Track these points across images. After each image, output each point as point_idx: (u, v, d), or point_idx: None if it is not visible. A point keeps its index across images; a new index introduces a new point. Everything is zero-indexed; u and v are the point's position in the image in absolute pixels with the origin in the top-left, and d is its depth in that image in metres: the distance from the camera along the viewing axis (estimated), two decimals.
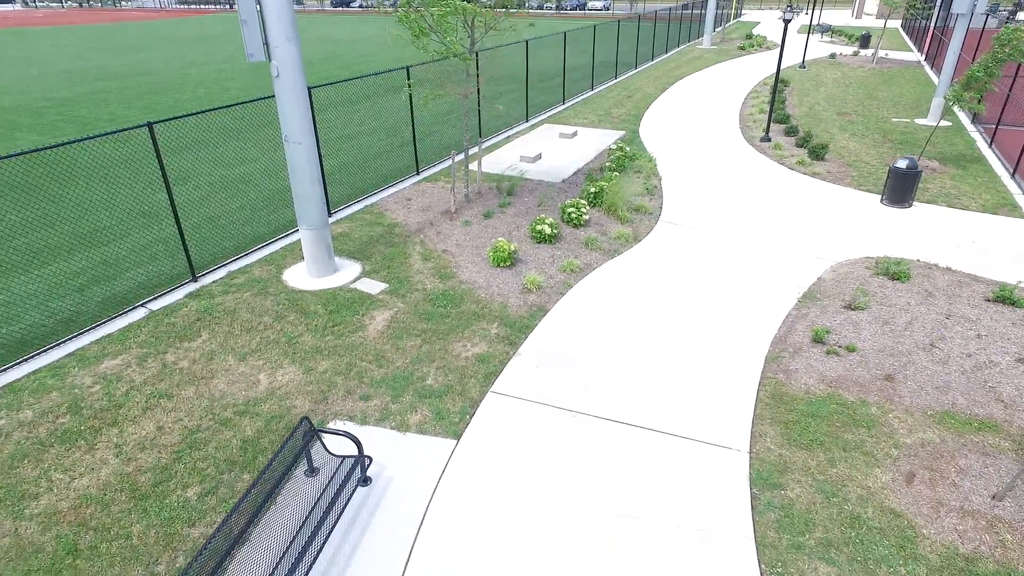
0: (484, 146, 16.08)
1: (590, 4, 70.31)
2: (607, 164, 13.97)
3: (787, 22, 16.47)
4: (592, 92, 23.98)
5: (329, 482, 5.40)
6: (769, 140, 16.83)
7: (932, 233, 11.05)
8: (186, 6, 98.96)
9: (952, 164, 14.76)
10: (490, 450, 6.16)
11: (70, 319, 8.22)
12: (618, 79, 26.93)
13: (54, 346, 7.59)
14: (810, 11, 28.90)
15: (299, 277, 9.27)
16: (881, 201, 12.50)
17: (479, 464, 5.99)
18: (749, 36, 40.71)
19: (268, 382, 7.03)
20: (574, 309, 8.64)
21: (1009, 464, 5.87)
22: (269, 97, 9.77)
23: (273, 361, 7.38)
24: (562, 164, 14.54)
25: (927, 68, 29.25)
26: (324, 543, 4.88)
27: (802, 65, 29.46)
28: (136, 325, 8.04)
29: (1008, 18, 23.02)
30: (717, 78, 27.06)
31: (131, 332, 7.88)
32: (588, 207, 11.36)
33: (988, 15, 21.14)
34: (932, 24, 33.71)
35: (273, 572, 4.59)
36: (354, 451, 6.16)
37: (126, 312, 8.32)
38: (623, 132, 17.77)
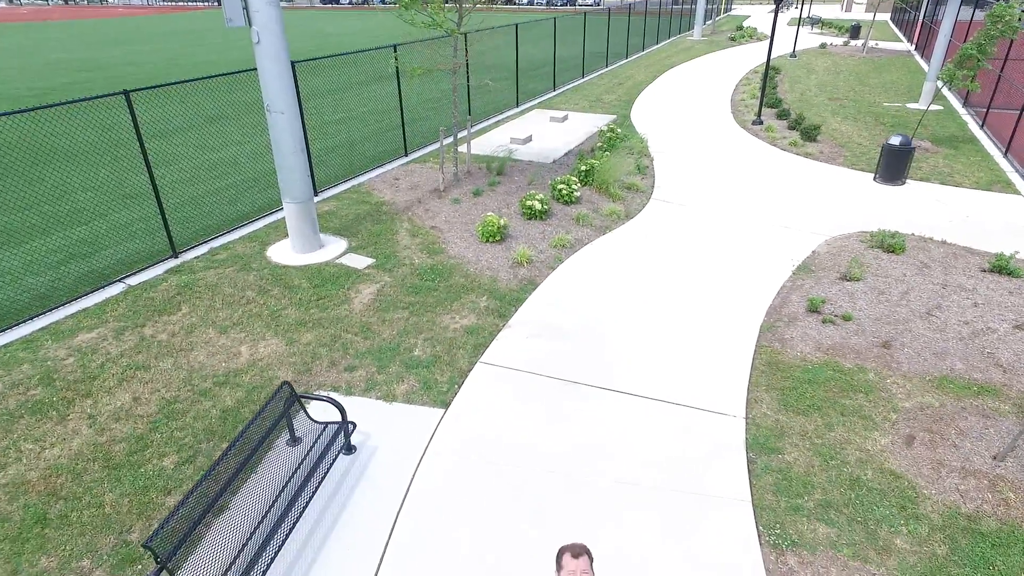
0: (473, 130, 15.87)
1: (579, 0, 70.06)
2: (598, 145, 13.80)
3: (778, 3, 16.35)
4: (583, 80, 23.80)
5: (311, 449, 5.20)
6: (761, 123, 16.71)
7: (926, 208, 10.94)
8: (173, 2, 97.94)
9: (944, 145, 14.69)
10: (479, 418, 5.97)
11: (45, 295, 7.96)
12: (609, 68, 26.77)
13: (27, 320, 7.33)
14: (800, 5, 29.04)
15: (283, 253, 9.04)
16: (874, 179, 12.40)
17: (468, 432, 5.80)
18: (740, 27, 40.66)
19: (250, 354, 6.81)
20: (566, 282, 8.46)
21: (1010, 425, 5.74)
22: (251, 70, 9.52)
23: (255, 333, 7.16)
24: (553, 146, 14.35)
25: (917, 57, 29.27)
26: (305, 508, 4.67)
27: (793, 54, 29.41)
28: (114, 300, 7.79)
29: None
30: (708, 67, 26.95)
31: (108, 306, 7.63)
32: (579, 184, 11.18)
33: (976, 6, 21.11)
34: (921, 15, 33.76)
35: (250, 539, 4.39)
36: (337, 418, 5.94)
37: (103, 287, 8.06)
38: (614, 116, 17.61)
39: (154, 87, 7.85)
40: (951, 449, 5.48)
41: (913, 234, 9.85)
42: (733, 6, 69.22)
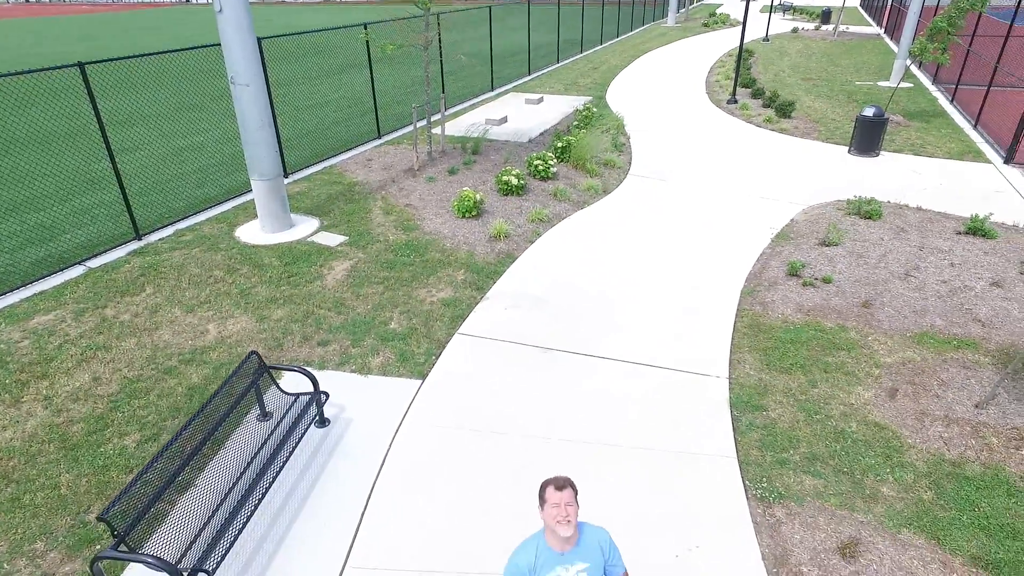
0: (447, 113, 15.63)
1: None
2: (574, 124, 13.65)
3: None
4: (558, 65, 23.65)
5: (281, 420, 4.98)
6: (736, 102, 16.71)
7: (900, 178, 10.98)
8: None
9: (916, 119, 14.81)
10: (458, 387, 5.79)
11: None
12: (584, 53, 26.65)
13: None
14: None
15: (253, 233, 8.75)
16: (849, 151, 12.43)
17: (446, 401, 5.62)
18: (713, 14, 40.83)
19: (218, 331, 6.55)
20: (544, 255, 8.30)
21: (990, 375, 5.72)
22: (214, 45, 9.20)
23: (223, 311, 6.89)
24: (528, 126, 14.18)
25: (887, 39, 29.62)
26: (275, 479, 4.46)
27: (766, 39, 29.58)
28: (73, 282, 7.45)
29: None
30: (682, 51, 26.97)
31: (67, 289, 7.30)
32: (555, 161, 11.02)
33: None
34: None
35: (215, 513, 4.17)
36: (309, 390, 5.72)
37: (62, 270, 7.72)
38: (590, 98, 17.48)
39: (110, 60, 7.51)
40: (934, 399, 5.44)
41: (889, 201, 9.87)
42: None
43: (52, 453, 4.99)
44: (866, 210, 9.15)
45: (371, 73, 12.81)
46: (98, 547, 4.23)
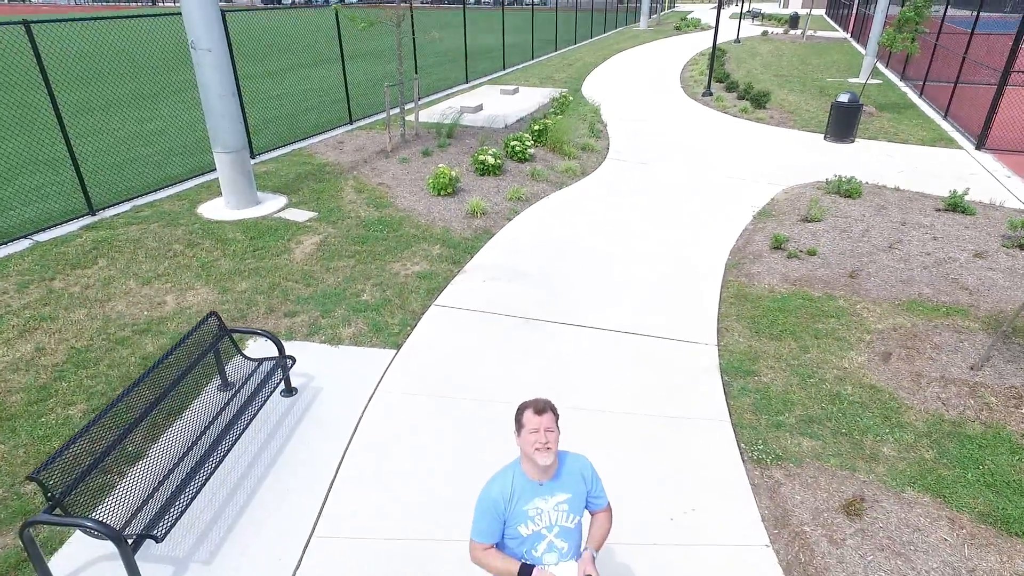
0: (421, 102, 15.29)
1: None
2: (551, 111, 13.45)
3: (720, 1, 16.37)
4: (533, 61, 23.54)
5: (243, 385, 4.58)
6: (711, 95, 16.73)
7: (876, 162, 11.00)
8: (103, 2, 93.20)
9: (888, 110, 14.98)
10: (435, 356, 5.45)
11: None
12: (558, 51, 26.62)
13: None
14: (740, 2, 29.92)
15: (216, 209, 8.29)
16: (825, 138, 12.46)
17: (422, 370, 5.27)
18: (684, 19, 41.33)
19: (176, 302, 6.10)
20: (524, 231, 8.03)
21: (983, 339, 5.60)
22: (175, 13, 8.73)
23: (183, 284, 6.44)
24: (504, 113, 13.93)
25: (854, 42, 30.24)
26: (233, 444, 4.06)
27: (737, 40, 29.96)
28: (18, 255, 6.91)
29: None
30: (656, 51, 27.13)
31: (10, 262, 6.76)
32: (532, 143, 10.78)
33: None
34: (855, 5, 34.95)
35: (167, 477, 3.77)
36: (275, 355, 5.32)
37: (6, 243, 7.17)
38: (566, 89, 17.32)
39: (59, 20, 7.01)
40: (928, 362, 5.29)
41: (867, 182, 9.84)
42: (676, 4, 70.68)
43: None
44: (846, 189, 9.09)
45: (342, 54, 12.42)
46: None
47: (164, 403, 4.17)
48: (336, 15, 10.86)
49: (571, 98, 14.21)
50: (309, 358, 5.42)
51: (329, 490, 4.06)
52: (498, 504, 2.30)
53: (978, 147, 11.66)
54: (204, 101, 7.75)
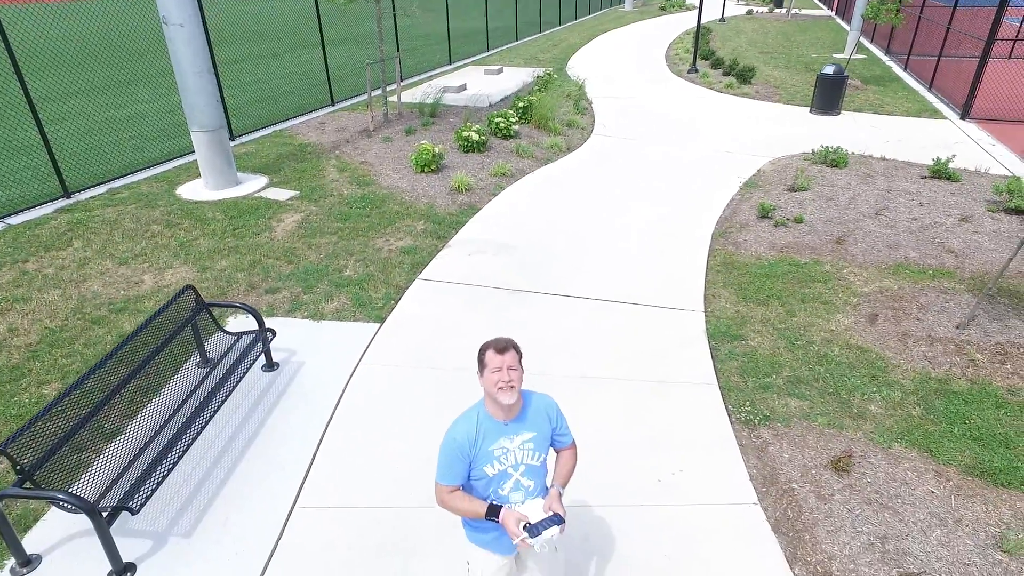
0: (404, 83, 15.08)
1: None
2: (535, 88, 13.30)
3: None
4: (517, 43, 23.28)
5: (223, 359, 4.49)
6: (696, 71, 16.62)
7: (862, 133, 10.98)
8: None
9: (873, 83, 14.95)
10: (420, 329, 5.38)
11: None
12: (543, 33, 26.34)
13: None
14: None
15: (195, 190, 8.13)
16: (811, 111, 12.41)
17: (407, 342, 5.20)
18: None
19: (154, 281, 5.98)
20: (510, 205, 7.94)
21: (968, 299, 5.59)
22: None
23: (161, 263, 6.31)
24: (488, 92, 13.75)
25: (838, 20, 30.17)
26: (212, 416, 3.98)
27: (722, 19, 29.79)
28: None
29: None
30: (641, 30, 26.93)
31: None
32: (517, 120, 10.65)
33: None
34: None
35: (144, 450, 3.68)
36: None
37: None
38: (551, 69, 17.15)
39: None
40: (915, 322, 5.27)
41: (853, 153, 9.81)
42: None
43: None
44: (832, 159, 9.06)
45: (321, 35, 12.19)
46: (3, 504, 3.68)
47: (142, 380, 4.09)
48: None
49: (556, 76, 14.06)
50: (291, 333, 5.32)
51: (312, 461, 3.99)
52: (463, 446, 2.25)
53: (963, 117, 11.66)
54: (179, 79, 7.56)
